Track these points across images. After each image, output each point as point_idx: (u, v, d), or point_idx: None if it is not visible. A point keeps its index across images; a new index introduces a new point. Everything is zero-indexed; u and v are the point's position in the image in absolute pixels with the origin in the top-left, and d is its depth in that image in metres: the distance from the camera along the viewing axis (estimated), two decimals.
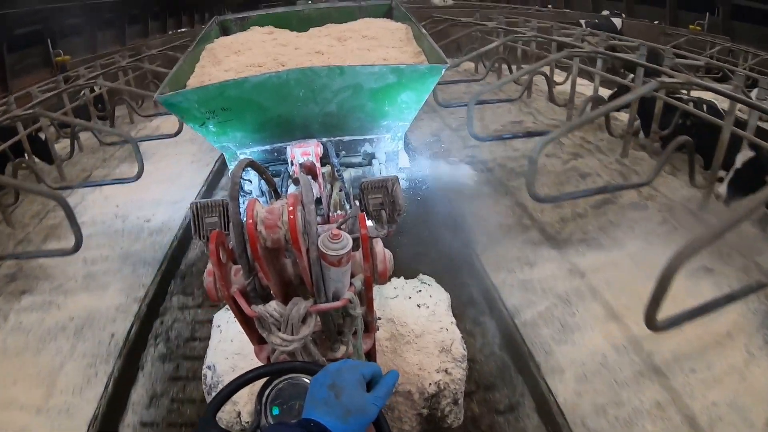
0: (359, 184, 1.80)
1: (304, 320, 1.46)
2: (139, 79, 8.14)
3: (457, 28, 8.31)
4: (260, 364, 1.77)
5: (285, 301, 1.50)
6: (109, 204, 4.93)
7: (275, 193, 1.85)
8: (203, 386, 2.54)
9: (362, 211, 1.79)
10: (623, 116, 5.63)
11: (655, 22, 10.82)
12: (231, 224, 1.40)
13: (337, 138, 3.14)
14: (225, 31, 3.68)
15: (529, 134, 4.80)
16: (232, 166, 3.23)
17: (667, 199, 4.22)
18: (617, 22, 10.72)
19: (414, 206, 4.57)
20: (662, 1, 11.48)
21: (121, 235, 4.40)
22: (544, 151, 3.39)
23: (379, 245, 1.57)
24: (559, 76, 6.80)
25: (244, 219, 1.34)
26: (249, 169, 3.48)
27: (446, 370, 2.55)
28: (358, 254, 1.52)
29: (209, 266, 1.57)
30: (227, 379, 2.49)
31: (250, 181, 3.37)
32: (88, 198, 5.08)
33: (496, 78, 7.78)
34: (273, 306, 1.44)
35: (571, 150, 5.42)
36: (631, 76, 5.34)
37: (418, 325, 2.64)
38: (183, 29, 16.03)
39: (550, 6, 15.04)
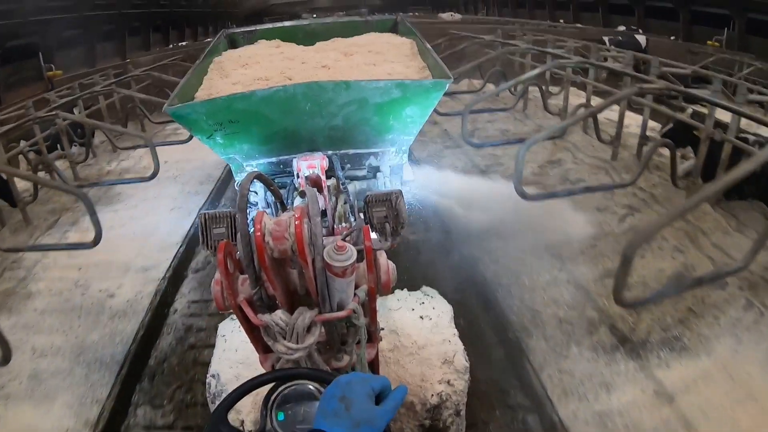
0: (364, 198, 1.84)
1: (308, 329, 1.49)
2: (123, 103, 7.11)
3: (473, 46, 7.79)
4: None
5: (291, 310, 1.53)
6: (71, 266, 4.14)
7: (282, 205, 1.88)
8: (207, 394, 2.57)
9: (367, 223, 1.82)
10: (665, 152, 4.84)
11: (671, 38, 10.72)
12: (239, 235, 1.44)
13: (342, 151, 3.18)
14: (233, 44, 3.75)
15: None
16: (238, 178, 3.28)
17: (747, 271, 3.36)
18: (641, 39, 10.38)
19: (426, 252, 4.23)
20: (676, 15, 11.44)
21: (78, 316, 3.60)
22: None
23: (383, 257, 1.60)
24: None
25: (251, 230, 1.38)
26: (255, 181, 3.55)
27: (448, 382, 2.57)
28: (362, 265, 1.55)
29: (217, 275, 1.61)
30: (231, 387, 2.51)
31: (256, 193, 3.42)
32: (50, 255, 4.27)
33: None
34: (279, 315, 1.47)
35: (625, 201, 4.60)
36: (690, 109, 4.69)
37: (420, 336, 2.67)
38: (185, 42, 16.14)
39: (562, 21, 15.07)
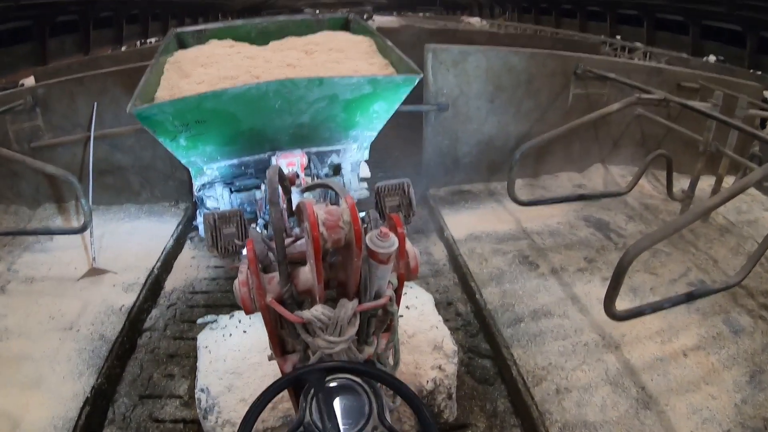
0: (374, 188, 1.86)
1: (349, 321, 1.49)
2: None
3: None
4: (270, 379, 1.77)
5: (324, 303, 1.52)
6: None
7: (288, 205, 1.85)
8: (198, 410, 2.43)
9: (379, 213, 1.85)
10: None
11: (683, 55, 9.70)
12: (274, 230, 1.41)
13: (305, 149, 3.15)
14: (182, 44, 3.56)
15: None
16: (197, 182, 3.13)
17: None
18: None
19: None
20: (685, 29, 11.32)
21: None
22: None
23: (407, 244, 1.64)
24: None
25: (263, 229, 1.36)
26: (215, 184, 3.39)
27: (440, 367, 2.65)
28: None
29: (241, 276, 1.55)
30: (223, 399, 2.40)
31: (216, 199, 3.28)
32: None
33: None
34: (320, 310, 1.46)
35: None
36: None
37: (409, 325, 2.72)
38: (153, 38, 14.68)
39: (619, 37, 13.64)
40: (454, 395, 2.70)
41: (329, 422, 1.24)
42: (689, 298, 2.45)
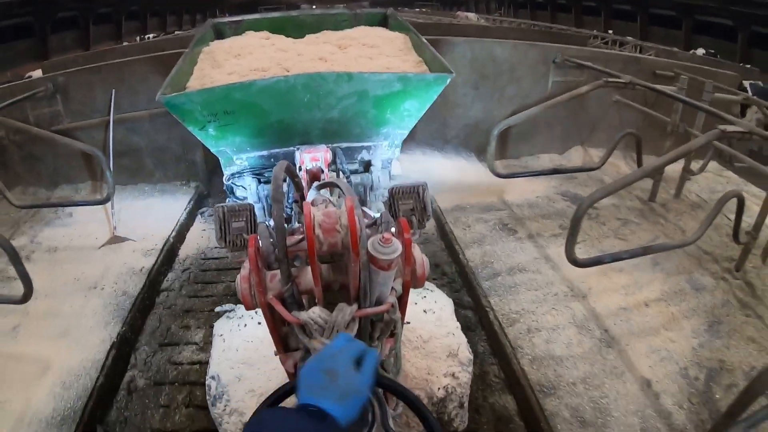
0: (389, 190, 1.81)
1: (347, 325, 1.45)
2: None
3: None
4: (279, 372, 1.75)
5: (324, 306, 1.49)
6: None
7: (301, 199, 1.83)
8: (207, 397, 2.46)
9: (392, 215, 1.79)
10: None
11: (674, 49, 9.62)
12: (276, 227, 1.38)
13: (335, 144, 3.13)
14: (219, 34, 3.61)
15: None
16: (227, 171, 3.17)
17: None
18: None
19: None
20: (678, 24, 11.59)
21: None
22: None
23: (416, 249, 1.58)
24: None
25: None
26: (244, 175, 3.42)
27: (453, 374, 2.57)
28: (399, 258, 1.52)
29: (243, 272, 1.54)
30: (232, 389, 2.42)
31: (245, 188, 3.31)
32: None
33: None
34: (317, 312, 1.42)
35: None
36: None
37: (425, 330, 2.66)
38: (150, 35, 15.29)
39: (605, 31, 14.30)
40: (466, 404, 2.62)
41: None
42: (646, 251, 2.65)
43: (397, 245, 1.36)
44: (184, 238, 4.47)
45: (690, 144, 2.89)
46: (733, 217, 3.36)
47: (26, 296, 2.45)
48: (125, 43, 13.16)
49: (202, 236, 4.53)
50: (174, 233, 4.28)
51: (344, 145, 3.16)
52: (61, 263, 3.84)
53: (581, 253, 2.61)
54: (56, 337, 3.10)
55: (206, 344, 3.11)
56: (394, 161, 3.51)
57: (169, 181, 5.15)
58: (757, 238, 3.53)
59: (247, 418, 2.45)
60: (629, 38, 11.10)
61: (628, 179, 2.59)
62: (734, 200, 3.13)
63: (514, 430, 2.75)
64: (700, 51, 10.64)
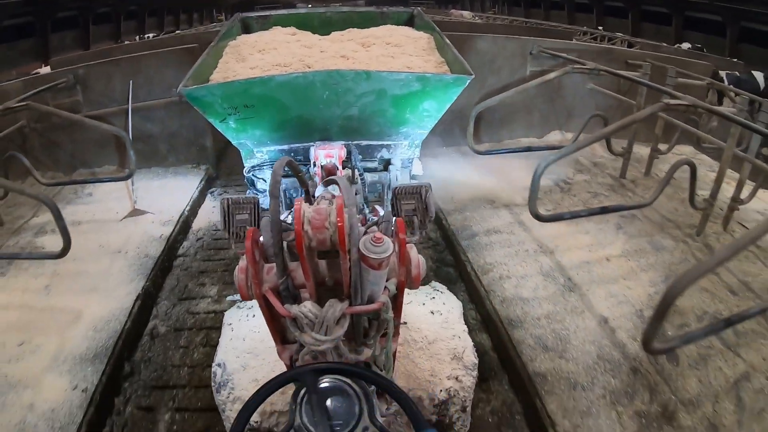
0: (393, 190, 1.81)
1: (337, 321, 1.46)
2: None
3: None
4: (282, 364, 1.77)
5: (317, 301, 1.50)
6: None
7: (307, 194, 1.85)
8: (212, 383, 2.52)
9: (395, 215, 1.80)
10: None
11: (664, 45, 9.98)
12: (270, 222, 1.41)
13: (355, 142, 3.14)
14: (246, 28, 3.68)
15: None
16: (248, 164, 3.23)
17: None
18: (760, 78, 8.67)
19: None
20: (668, 20, 11.61)
21: None
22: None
23: (413, 250, 1.58)
24: None
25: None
26: (264, 168, 3.47)
27: (457, 378, 2.55)
28: (393, 258, 1.53)
29: (241, 263, 1.57)
30: (237, 377, 2.48)
31: (265, 180, 3.37)
32: None
33: None
34: (308, 307, 1.44)
35: None
36: None
37: (431, 331, 2.65)
38: (149, 34, 15.45)
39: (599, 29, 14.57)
40: (468, 409, 2.60)
41: (320, 423, 1.23)
42: (604, 210, 2.84)
43: (389, 245, 1.36)
44: (197, 213, 5.06)
45: (635, 115, 3.20)
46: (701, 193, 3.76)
47: (64, 250, 2.61)
48: (126, 42, 13.45)
49: (213, 212, 5.09)
50: (188, 207, 4.85)
51: (364, 143, 3.17)
52: (86, 233, 4.27)
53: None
54: (86, 291, 3.58)
55: (220, 297, 3.70)
56: (415, 160, 3.50)
57: (181, 164, 5.65)
58: (714, 205, 3.95)
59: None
60: (618, 34, 11.39)
61: (580, 144, 2.85)
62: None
63: (488, 362, 3.22)
64: (686, 45, 11.07)
